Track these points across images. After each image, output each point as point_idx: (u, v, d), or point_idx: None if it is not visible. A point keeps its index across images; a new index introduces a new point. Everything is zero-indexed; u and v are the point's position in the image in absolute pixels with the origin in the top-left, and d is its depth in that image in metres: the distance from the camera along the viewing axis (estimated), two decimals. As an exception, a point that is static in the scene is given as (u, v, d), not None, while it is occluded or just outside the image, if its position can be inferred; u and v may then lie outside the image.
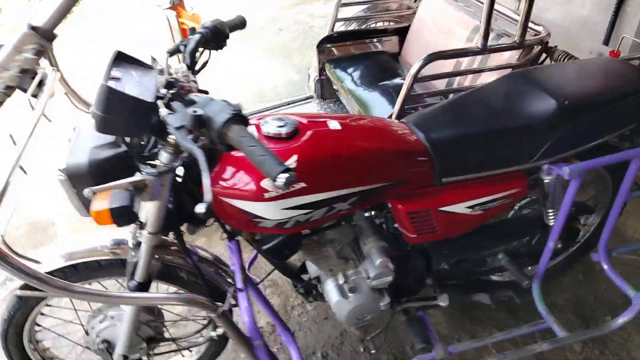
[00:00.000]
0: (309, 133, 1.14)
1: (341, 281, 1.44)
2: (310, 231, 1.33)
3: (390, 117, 1.90)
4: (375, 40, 2.85)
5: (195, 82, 1.16)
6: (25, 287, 1.24)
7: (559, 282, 1.98)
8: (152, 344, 1.44)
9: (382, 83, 2.45)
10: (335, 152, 1.12)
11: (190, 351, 1.63)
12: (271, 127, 1.13)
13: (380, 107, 2.22)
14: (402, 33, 2.84)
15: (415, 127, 1.28)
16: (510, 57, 1.97)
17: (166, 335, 1.51)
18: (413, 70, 1.79)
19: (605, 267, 1.56)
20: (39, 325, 1.40)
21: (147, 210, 1.11)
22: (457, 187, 1.30)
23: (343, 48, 2.77)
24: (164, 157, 1.01)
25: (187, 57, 1.17)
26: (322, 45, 2.72)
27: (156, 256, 1.27)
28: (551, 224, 1.48)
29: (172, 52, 1.18)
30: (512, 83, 1.39)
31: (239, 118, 0.83)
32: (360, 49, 2.83)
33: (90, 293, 0.98)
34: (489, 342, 1.48)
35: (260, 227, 1.17)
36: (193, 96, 0.96)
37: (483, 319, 1.85)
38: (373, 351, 1.52)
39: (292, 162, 1.08)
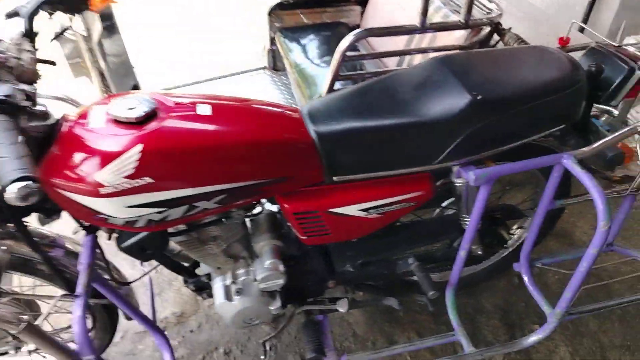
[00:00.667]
0: (164, 119, 0.98)
1: (228, 282, 1.31)
2: (186, 227, 1.18)
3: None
4: (334, 9, 2.63)
5: (31, 51, 0.98)
6: None
7: (492, 285, 1.85)
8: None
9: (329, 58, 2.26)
10: (191, 143, 0.96)
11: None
12: (119, 108, 0.96)
13: (321, 86, 2.03)
14: (365, 3, 2.61)
15: (307, 117, 1.11)
16: (459, 38, 1.77)
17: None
18: (341, 47, 1.60)
19: (526, 278, 1.42)
20: None
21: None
22: (350, 187, 1.15)
23: (296, 16, 2.55)
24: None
25: (25, 21, 0.99)
26: (274, 12, 2.50)
27: (3, 247, 1.13)
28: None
29: (10, 15, 1.00)
30: (431, 70, 1.21)
31: None
32: (317, 19, 2.61)
33: None
34: (387, 354, 1.36)
35: (111, 224, 1.02)
36: None
37: (403, 322, 1.73)
38: (262, 357, 1.41)
39: (134, 153, 0.92)
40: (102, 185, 0.92)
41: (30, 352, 0.87)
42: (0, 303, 1.20)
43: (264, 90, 2.59)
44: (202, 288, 1.41)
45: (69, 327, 1.36)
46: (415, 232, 1.40)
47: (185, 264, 1.39)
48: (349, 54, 1.63)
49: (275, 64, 2.66)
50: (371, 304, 1.52)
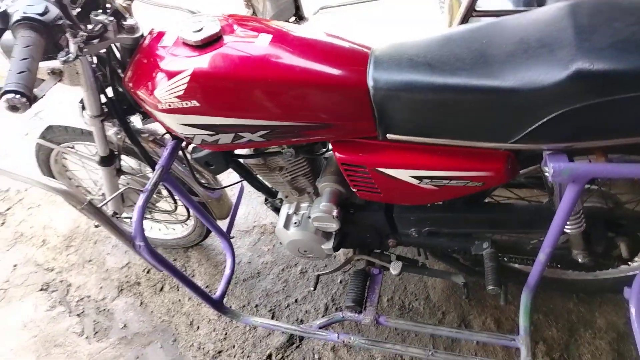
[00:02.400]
0: (221, 46, 1.00)
1: (291, 211, 1.36)
2: (253, 151, 1.24)
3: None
4: None
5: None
6: (42, 136, 1.52)
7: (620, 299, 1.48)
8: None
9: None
10: (236, 73, 0.96)
11: (184, 225, 1.82)
12: (187, 30, 1.02)
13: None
14: None
15: (373, 61, 0.99)
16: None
17: (159, 207, 1.71)
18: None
19: (633, 311, 1.08)
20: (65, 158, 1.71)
21: (83, 94, 1.18)
22: (404, 149, 1.01)
23: None
24: (71, 48, 1.03)
25: None
26: None
27: (119, 135, 1.38)
28: (567, 229, 1.07)
29: None
30: (550, 18, 0.91)
31: (26, 22, 0.77)
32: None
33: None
34: (429, 332, 1.25)
35: (178, 135, 1.14)
36: None
37: (485, 304, 1.55)
38: (312, 289, 1.45)
39: (185, 75, 0.98)
40: (159, 101, 1.02)
41: (95, 226, 1.09)
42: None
43: (428, 16, 2.35)
44: (278, 210, 1.49)
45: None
46: (500, 214, 1.18)
47: (268, 185, 1.49)
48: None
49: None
50: (434, 276, 1.39)
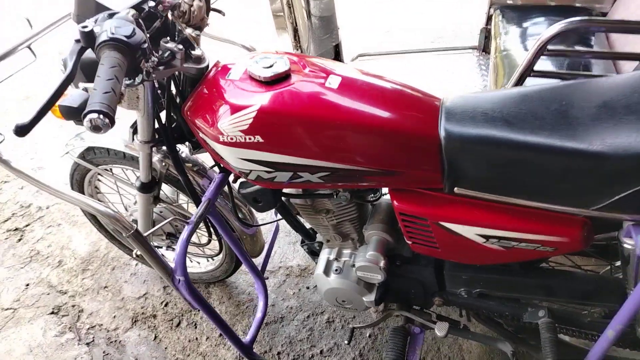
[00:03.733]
0: (290, 84, 0.98)
1: (332, 256, 1.30)
2: (302, 192, 1.20)
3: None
4: (580, -11, 2.16)
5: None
6: (81, 156, 1.49)
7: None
8: (172, 239, 1.59)
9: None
10: (303, 113, 0.93)
11: (210, 260, 1.75)
12: (256, 65, 1.00)
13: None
14: (625, -14, 2.06)
15: (444, 111, 0.96)
16: None
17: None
18: (543, 36, 1.31)
19: None
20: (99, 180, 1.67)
21: (137, 119, 1.16)
22: (472, 204, 0.96)
23: (528, -6, 2.19)
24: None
25: None
26: (500, -15, 2.21)
27: (163, 163, 1.35)
28: (634, 306, 0.99)
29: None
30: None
31: (113, 43, 0.75)
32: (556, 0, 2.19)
33: (41, 182, 1.05)
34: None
35: (231, 169, 1.10)
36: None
37: (526, 375, 1.45)
38: (346, 342, 1.36)
39: (252, 110, 0.95)
40: (222, 134, 0.99)
41: (136, 255, 1.04)
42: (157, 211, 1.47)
43: (465, 72, 2.37)
44: (315, 253, 1.43)
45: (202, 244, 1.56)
46: (559, 281, 1.12)
47: (307, 226, 1.44)
48: (552, 47, 1.33)
49: (487, 45, 2.38)
50: (480, 341, 1.31)
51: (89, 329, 1.82)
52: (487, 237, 0.97)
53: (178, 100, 1.16)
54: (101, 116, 0.68)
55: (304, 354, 1.60)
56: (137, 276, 1.96)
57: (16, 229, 2.21)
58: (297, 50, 1.95)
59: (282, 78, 0.99)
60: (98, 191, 1.68)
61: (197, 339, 1.72)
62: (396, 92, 1.01)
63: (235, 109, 0.97)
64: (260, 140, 0.96)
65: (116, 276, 1.98)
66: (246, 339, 1.28)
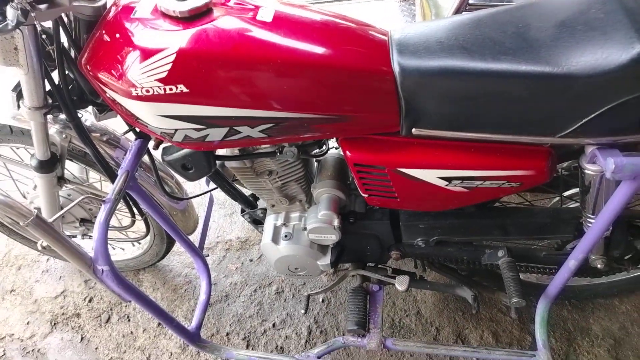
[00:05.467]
0: (215, 19, 0.81)
1: (279, 222, 1.17)
2: (239, 152, 1.05)
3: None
4: None
5: None
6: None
7: (612, 305, 1.45)
8: (87, 225, 1.37)
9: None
10: (236, 52, 0.78)
11: (136, 244, 1.55)
12: (169, 3, 0.81)
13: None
14: None
15: (395, 44, 0.85)
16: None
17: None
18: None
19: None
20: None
21: (21, 79, 0.92)
22: (432, 145, 0.88)
23: None
24: (9, 13, 0.78)
25: None
26: None
27: (64, 135, 1.12)
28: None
29: None
30: (592, 1, 0.84)
31: None
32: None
33: None
34: (443, 353, 1.13)
35: (151, 132, 0.92)
36: None
37: (481, 316, 1.46)
38: (302, 311, 1.27)
39: (169, 53, 0.77)
40: (134, 86, 0.80)
41: (42, 247, 0.84)
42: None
43: (388, 21, 2.29)
44: (258, 222, 1.30)
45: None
46: (516, 219, 1.09)
47: (246, 193, 1.29)
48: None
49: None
50: (440, 290, 1.28)
51: None
52: (449, 180, 0.89)
53: (73, 53, 0.94)
54: None
55: (255, 330, 1.48)
56: (50, 273, 1.70)
57: None
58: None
59: (203, 13, 0.81)
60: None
61: (132, 332, 1.53)
62: (339, 25, 0.88)
63: (147, 53, 0.78)
64: (184, 89, 0.79)
65: (24, 276, 1.70)
66: (191, 325, 1.13)
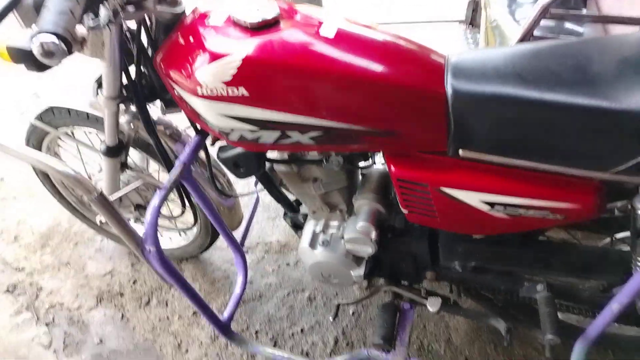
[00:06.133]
0: (280, 31, 0.86)
1: (318, 229, 1.21)
2: (288, 157, 1.09)
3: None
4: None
5: None
6: (39, 118, 1.33)
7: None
8: (141, 210, 1.46)
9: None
10: (295, 63, 0.83)
11: (182, 234, 1.63)
12: (241, 10, 0.88)
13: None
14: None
15: (451, 68, 0.87)
16: None
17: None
18: (544, 1, 1.24)
19: None
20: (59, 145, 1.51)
21: (102, 71, 1.02)
22: (478, 168, 0.88)
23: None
24: (102, 12, 0.87)
25: None
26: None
27: (131, 125, 1.21)
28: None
29: None
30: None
31: None
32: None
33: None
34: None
35: (210, 129, 0.98)
36: None
37: (514, 354, 1.41)
38: (330, 319, 1.29)
39: (236, 59, 0.83)
40: (200, 85, 0.87)
41: (100, 223, 0.92)
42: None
43: (451, 45, 2.29)
44: (299, 226, 1.34)
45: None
46: (561, 255, 1.06)
47: (290, 198, 1.34)
48: (554, 11, 1.25)
49: (474, 18, 2.31)
50: (472, 318, 1.26)
51: (48, 308, 1.68)
52: (492, 204, 0.89)
53: (150, 51, 1.03)
54: (55, 39, 0.55)
55: (283, 333, 1.51)
56: (102, 252, 1.82)
57: (-34, 202, 2.02)
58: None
59: (270, 25, 0.87)
60: (59, 159, 1.52)
61: (168, 317, 1.61)
62: (398, 45, 0.91)
63: (216, 57, 0.85)
64: (245, 93, 0.85)
65: (79, 252, 1.83)
66: (224, 316, 1.18)
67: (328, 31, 0.87)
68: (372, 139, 0.90)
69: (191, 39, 0.90)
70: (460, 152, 0.87)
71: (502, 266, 1.10)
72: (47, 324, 1.63)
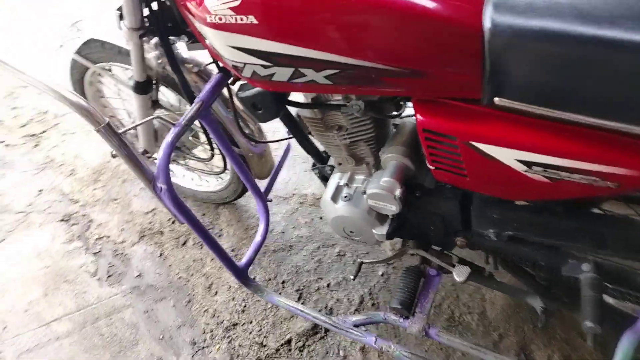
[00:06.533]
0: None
1: (343, 182, 1.13)
2: (311, 102, 1.01)
3: None
4: None
5: None
6: (79, 52, 1.35)
7: None
8: (177, 152, 1.47)
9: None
10: (310, -14, 0.73)
11: (218, 179, 1.63)
12: None
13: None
14: None
15: (494, -2, 0.73)
16: None
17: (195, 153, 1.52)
18: None
19: None
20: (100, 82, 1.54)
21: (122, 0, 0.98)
22: (515, 121, 0.75)
23: None
24: None
25: None
26: None
27: (159, 60, 1.19)
28: None
29: None
30: None
31: None
32: None
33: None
34: (490, 358, 1.00)
35: (225, 64, 0.92)
36: None
37: (553, 334, 1.28)
38: (352, 277, 1.22)
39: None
40: (209, 12, 0.80)
41: (112, 155, 0.91)
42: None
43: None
44: (326, 178, 1.27)
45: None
46: (616, 230, 0.90)
47: (320, 148, 1.26)
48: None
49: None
50: (506, 292, 1.13)
51: (97, 239, 1.78)
52: (529, 164, 0.76)
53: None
54: None
55: (309, 286, 1.49)
56: (146, 191, 1.88)
57: (33, 135, 2.16)
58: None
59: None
60: (101, 95, 1.56)
61: (202, 259, 1.64)
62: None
63: (224, -20, 0.77)
64: (254, 21, 0.77)
65: (126, 189, 1.91)
66: (241, 262, 1.17)
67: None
68: (396, 81, 0.79)
69: None
70: (496, 100, 0.74)
71: (542, 237, 0.97)
72: (94, 254, 1.73)
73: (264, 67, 0.84)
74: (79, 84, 1.46)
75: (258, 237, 1.22)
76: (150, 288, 1.61)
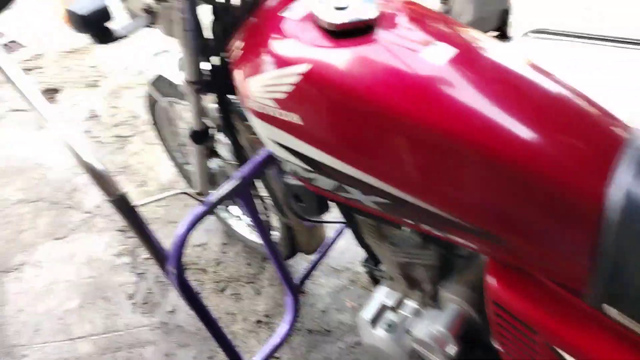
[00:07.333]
0: (368, 40, 0.59)
1: (390, 302, 0.93)
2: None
3: None
4: None
5: None
6: (152, 82, 1.30)
7: None
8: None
9: None
10: (377, 95, 0.54)
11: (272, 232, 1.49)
12: (326, 7, 0.63)
13: None
14: None
15: (634, 157, 0.49)
16: None
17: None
18: None
19: None
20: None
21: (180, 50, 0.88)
22: (629, 340, 0.50)
23: None
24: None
25: None
26: None
27: (217, 113, 1.08)
28: None
29: None
30: None
31: None
32: None
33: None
34: None
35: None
36: None
37: None
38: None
39: (294, 72, 0.59)
40: (249, 96, 0.66)
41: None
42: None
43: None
44: (376, 280, 1.07)
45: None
46: None
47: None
48: None
49: None
50: None
51: (145, 259, 1.74)
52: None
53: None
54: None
55: (335, 388, 1.29)
56: (203, 222, 1.81)
57: (121, 137, 2.23)
58: (444, 7, 1.46)
59: (361, 30, 0.60)
60: (171, 123, 1.51)
61: (234, 314, 1.52)
62: (550, 97, 0.55)
63: (276, 62, 0.62)
64: (299, 121, 0.61)
65: (185, 214, 1.86)
66: (254, 358, 1.01)
67: (439, 55, 0.57)
68: (465, 236, 0.58)
69: (254, 31, 0.69)
70: (604, 306, 0.50)
71: None
72: (138, 274, 1.70)
73: (306, 170, 0.68)
74: (150, 111, 1.43)
75: (276, 339, 1.04)
76: (178, 329, 1.52)
